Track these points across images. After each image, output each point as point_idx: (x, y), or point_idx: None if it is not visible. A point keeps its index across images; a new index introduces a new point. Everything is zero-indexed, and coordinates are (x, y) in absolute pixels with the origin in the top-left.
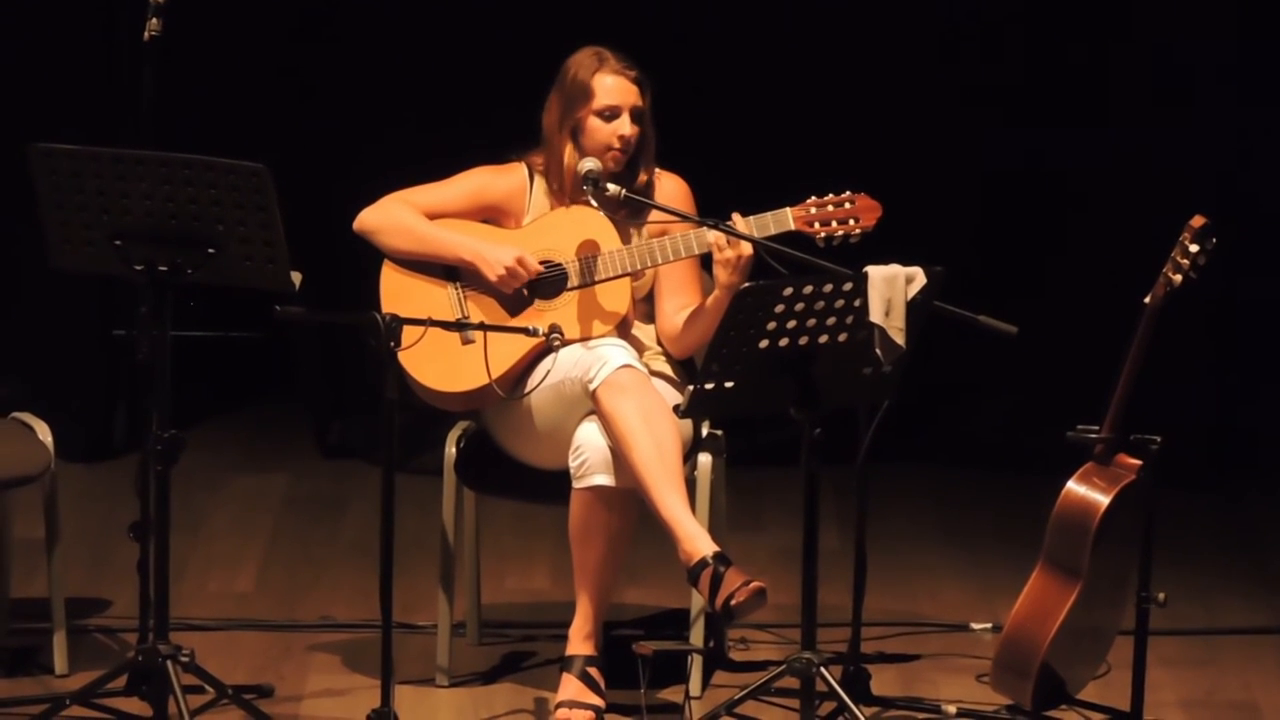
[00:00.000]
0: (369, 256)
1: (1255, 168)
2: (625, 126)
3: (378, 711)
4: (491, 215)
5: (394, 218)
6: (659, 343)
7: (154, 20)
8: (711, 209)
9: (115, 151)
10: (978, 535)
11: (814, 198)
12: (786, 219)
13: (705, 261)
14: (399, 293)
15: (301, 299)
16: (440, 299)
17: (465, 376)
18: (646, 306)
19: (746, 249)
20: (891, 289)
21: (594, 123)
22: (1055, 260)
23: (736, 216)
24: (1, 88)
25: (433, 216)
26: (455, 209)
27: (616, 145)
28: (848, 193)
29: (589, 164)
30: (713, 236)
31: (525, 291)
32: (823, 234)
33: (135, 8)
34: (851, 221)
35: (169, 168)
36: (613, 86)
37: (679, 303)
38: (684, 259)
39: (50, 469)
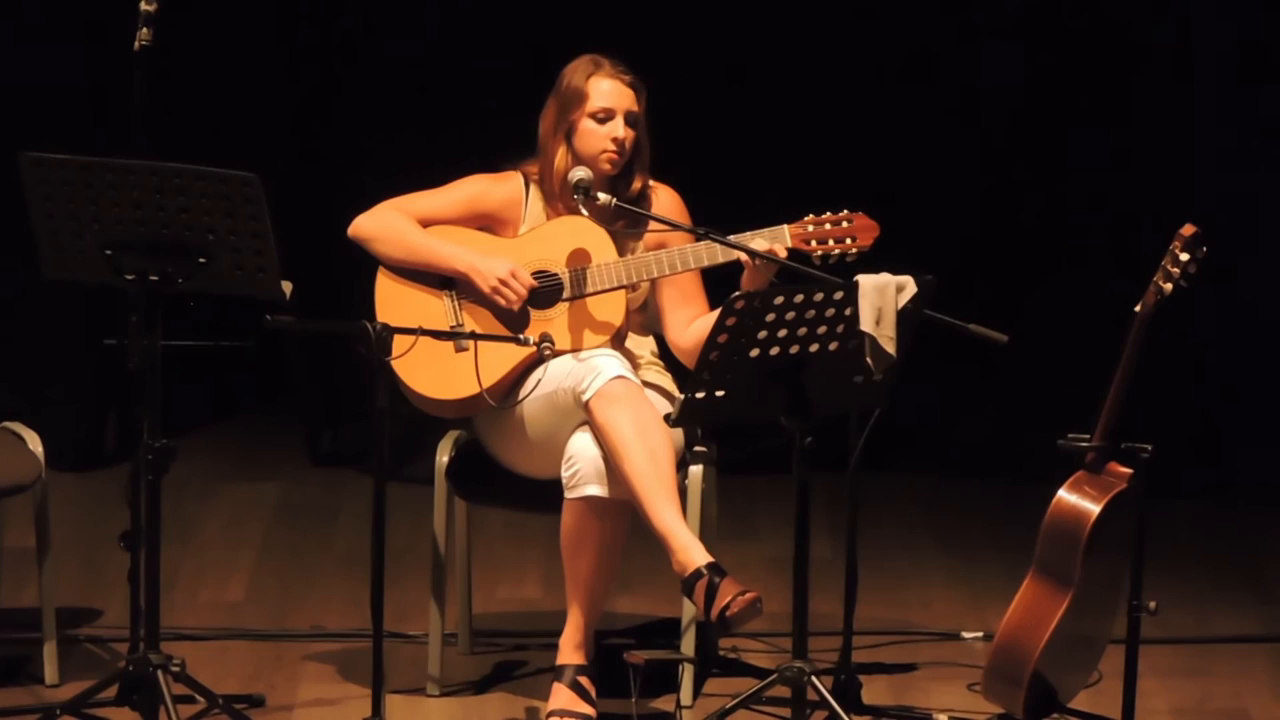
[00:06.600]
0: (363, 264)
1: (1247, 175)
2: (619, 129)
3: None
4: (487, 223)
5: (389, 226)
6: (661, 354)
7: (144, 30)
8: (710, 225)
9: (106, 161)
10: (969, 544)
11: (812, 215)
12: (784, 236)
13: (706, 273)
14: (394, 300)
15: (292, 308)
16: (435, 307)
17: (458, 384)
18: (641, 318)
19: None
20: (882, 298)
21: (588, 125)
22: (1046, 268)
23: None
24: None
25: (428, 224)
26: (451, 217)
27: (610, 148)
28: (845, 211)
29: (580, 172)
30: (722, 254)
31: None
32: (819, 252)
33: (126, 16)
34: (849, 240)
35: (160, 177)
36: (607, 90)
37: (687, 314)
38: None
39: (41, 478)
